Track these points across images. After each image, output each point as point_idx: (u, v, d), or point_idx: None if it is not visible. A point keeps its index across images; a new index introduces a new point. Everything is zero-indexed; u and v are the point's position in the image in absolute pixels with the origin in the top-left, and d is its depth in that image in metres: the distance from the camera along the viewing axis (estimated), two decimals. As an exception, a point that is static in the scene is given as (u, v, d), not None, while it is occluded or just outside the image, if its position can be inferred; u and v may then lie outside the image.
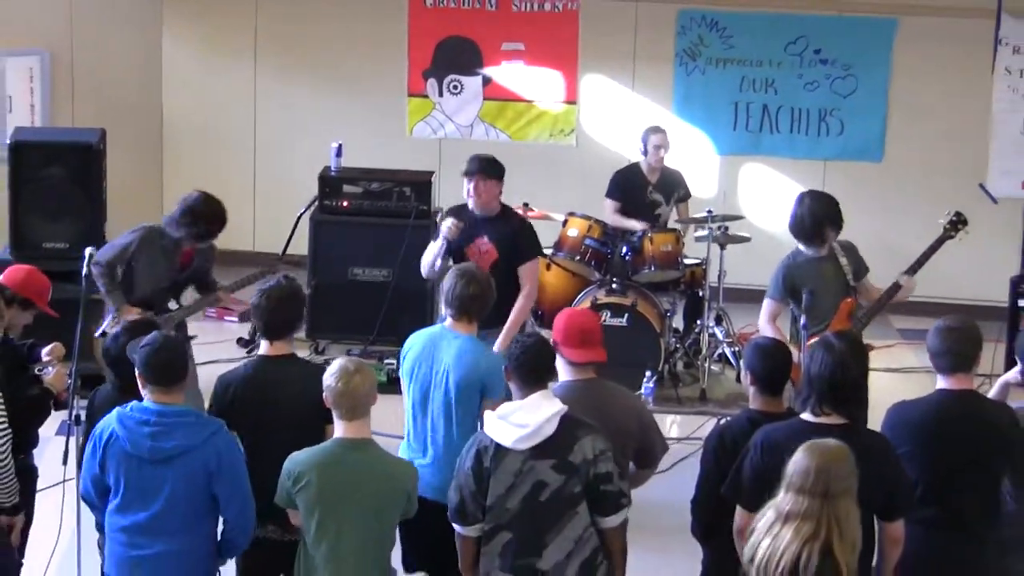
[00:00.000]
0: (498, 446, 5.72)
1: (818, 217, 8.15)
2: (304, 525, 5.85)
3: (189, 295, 8.99)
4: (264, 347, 6.43)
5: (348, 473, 5.81)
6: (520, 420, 5.72)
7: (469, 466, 5.77)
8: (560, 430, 5.71)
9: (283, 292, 6.41)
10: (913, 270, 8.38)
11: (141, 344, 5.91)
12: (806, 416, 5.72)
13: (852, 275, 8.29)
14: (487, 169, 8.33)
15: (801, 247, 8.26)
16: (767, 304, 8.28)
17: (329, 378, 5.79)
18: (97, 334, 8.36)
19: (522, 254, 8.33)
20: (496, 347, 8.31)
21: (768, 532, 5.02)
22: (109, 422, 5.81)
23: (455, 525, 5.88)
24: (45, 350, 6.83)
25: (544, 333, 10.97)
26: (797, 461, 5.03)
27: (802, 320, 8.12)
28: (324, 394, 5.81)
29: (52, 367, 6.77)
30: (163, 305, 8.65)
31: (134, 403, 5.82)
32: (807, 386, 5.74)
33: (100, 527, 6.11)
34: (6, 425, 6.17)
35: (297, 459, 5.82)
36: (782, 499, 5.00)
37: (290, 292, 6.45)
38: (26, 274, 7.08)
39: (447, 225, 8.33)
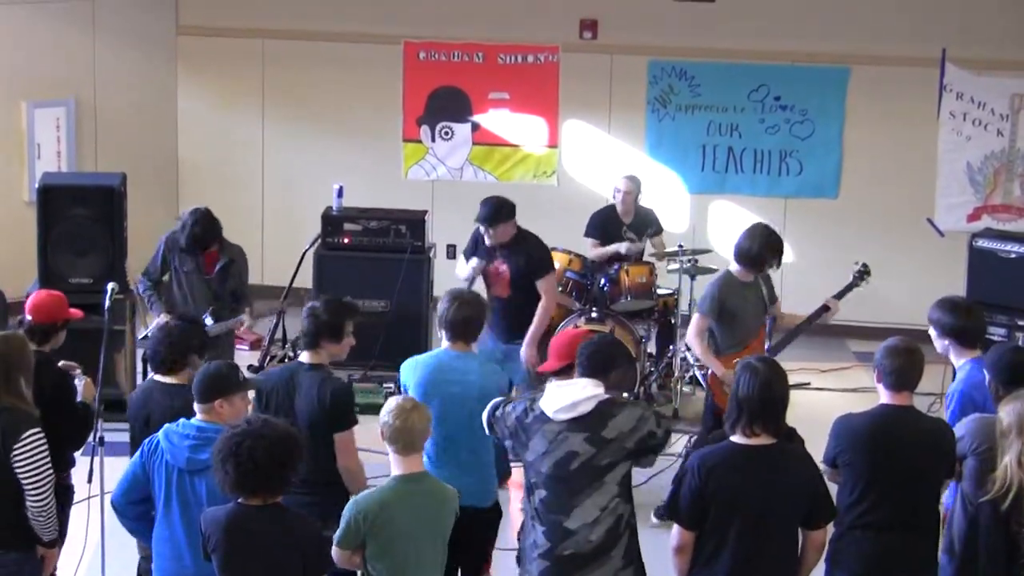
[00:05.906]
0: (543, 411, 5.80)
1: (765, 249, 8.22)
2: (374, 564, 5.68)
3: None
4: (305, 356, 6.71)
5: (420, 507, 5.74)
6: (564, 394, 5.80)
7: (516, 416, 5.87)
8: (596, 409, 5.75)
9: (326, 308, 6.72)
10: (840, 296, 8.74)
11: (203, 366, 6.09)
12: (736, 438, 5.65)
13: (768, 302, 8.44)
14: (495, 218, 8.93)
15: (733, 269, 8.30)
16: (697, 319, 8.26)
17: (386, 415, 5.72)
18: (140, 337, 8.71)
19: (535, 273, 8.99)
20: (522, 353, 8.84)
21: None
22: (156, 437, 5.86)
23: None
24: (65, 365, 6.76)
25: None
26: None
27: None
28: (380, 429, 5.73)
29: (80, 379, 6.72)
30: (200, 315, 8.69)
31: (182, 420, 5.86)
32: (736, 409, 5.64)
33: (137, 533, 6.11)
34: (50, 470, 6.00)
35: (366, 502, 5.67)
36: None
37: (334, 307, 6.75)
38: (50, 301, 6.91)
39: (474, 265, 9.04)
